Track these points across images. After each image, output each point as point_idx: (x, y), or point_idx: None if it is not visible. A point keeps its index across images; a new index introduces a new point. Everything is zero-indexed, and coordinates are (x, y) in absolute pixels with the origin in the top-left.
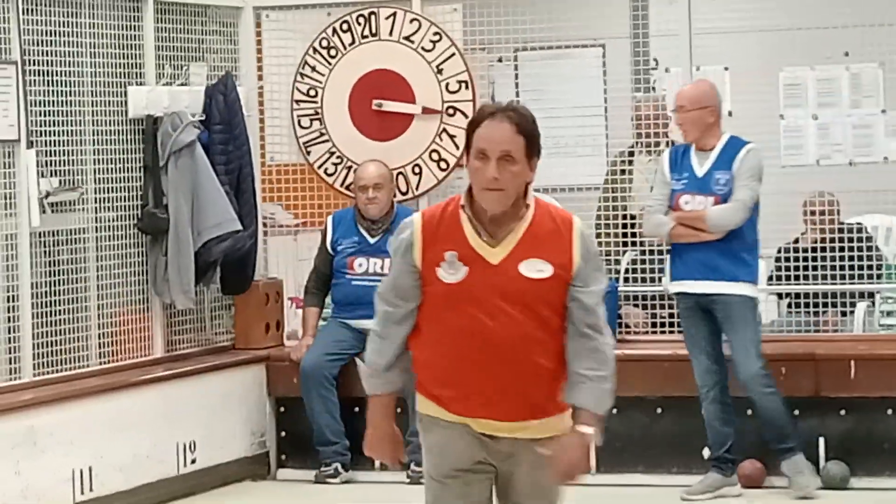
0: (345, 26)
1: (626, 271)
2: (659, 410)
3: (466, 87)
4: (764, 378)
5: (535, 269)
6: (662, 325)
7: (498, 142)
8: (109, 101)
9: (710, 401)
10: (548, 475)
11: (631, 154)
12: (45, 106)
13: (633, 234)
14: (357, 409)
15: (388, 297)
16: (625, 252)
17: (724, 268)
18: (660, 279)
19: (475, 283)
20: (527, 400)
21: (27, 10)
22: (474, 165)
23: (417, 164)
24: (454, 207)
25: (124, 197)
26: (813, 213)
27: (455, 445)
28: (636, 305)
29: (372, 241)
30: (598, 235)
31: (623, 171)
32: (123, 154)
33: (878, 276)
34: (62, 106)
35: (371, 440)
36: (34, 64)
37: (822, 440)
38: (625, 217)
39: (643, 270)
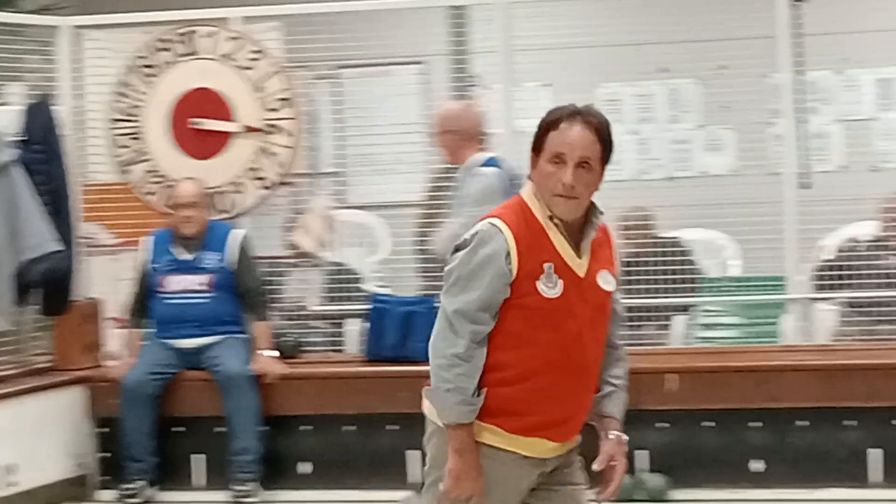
0: (164, 45)
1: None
2: None
3: (287, 105)
4: None
5: (606, 280)
6: None
7: (577, 147)
8: None
9: None
10: (598, 488)
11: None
12: None
13: None
14: (177, 428)
15: (474, 315)
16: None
17: None
18: None
19: (570, 297)
20: (585, 415)
21: None
22: (547, 169)
23: (237, 182)
24: (529, 213)
25: None
26: (628, 227)
27: (522, 476)
28: None
29: (187, 258)
30: (420, 252)
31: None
32: None
33: (696, 290)
34: None
35: (462, 473)
36: None
37: (641, 453)
38: None
39: None
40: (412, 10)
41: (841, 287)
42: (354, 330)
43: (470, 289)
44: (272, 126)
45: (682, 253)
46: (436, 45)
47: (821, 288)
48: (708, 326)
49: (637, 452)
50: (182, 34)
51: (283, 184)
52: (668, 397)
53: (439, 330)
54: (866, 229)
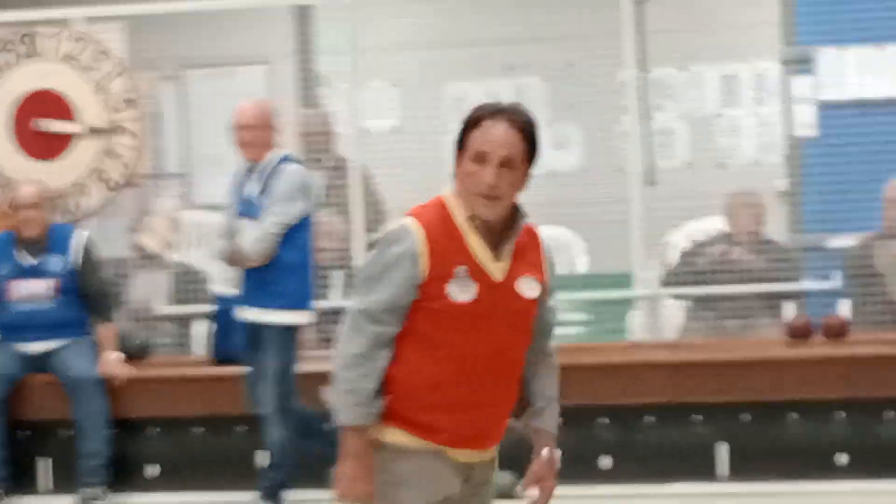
0: (5, 46)
1: None
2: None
3: (131, 106)
4: (277, 411)
5: (529, 286)
6: (332, 340)
7: (499, 145)
8: None
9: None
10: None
11: None
12: None
13: None
14: (23, 432)
15: (378, 316)
16: None
17: (260, 295)
18: (328, 295)
19: (485, 301)
20: (504, 422)
21: None
22: (469, 169)
23: (82, 184)
24: (447, 213)
25: None
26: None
27: (440, 473)
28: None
29: (30, 263)
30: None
31: None
32: None
33: None
34: None
35: (352, 476)
36: None
37: None
38: None
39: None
40: (257, 10)
41: (687, 283)
42: (201, 331)
43: (376, 289)
44: (116, 127)
45: None
46: (281, 45)
47: (669, 284)
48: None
49: None
50: (24, 35)
51: (128, 185)
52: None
53: (345, 330)
54: (712, 225)
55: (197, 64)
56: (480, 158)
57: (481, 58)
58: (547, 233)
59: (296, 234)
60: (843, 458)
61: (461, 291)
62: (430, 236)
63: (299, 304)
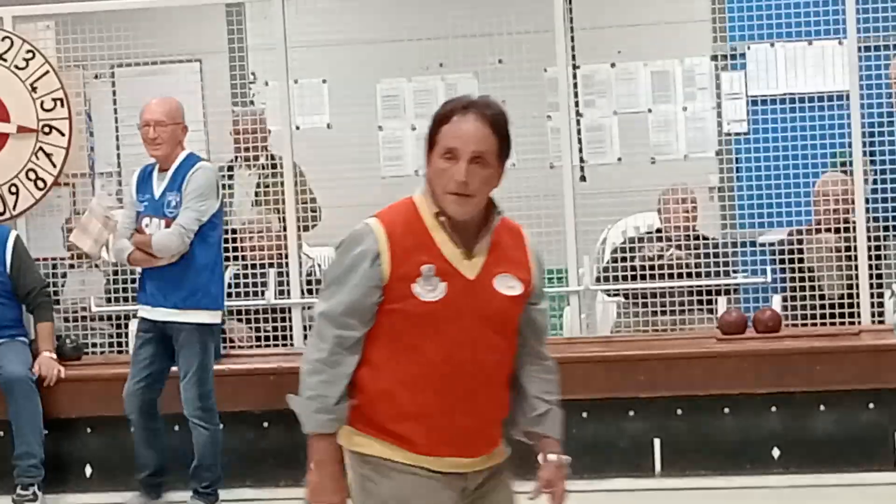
0: None
1: (230, 286)
2: (266, 424)
3: (62, 105)
4: (198, 410)
5: (507, 285)
6: (267, 339)
7: (470, 141)
8: None
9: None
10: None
11: (231, 168)
12: None
13: (236, 249)
14: None
15: (340, 320)
16: (227, 267)
17: (176, 294)
18: (262, 293)
19: (454, 301)
20: (494, 429)
21: None
22: (439, 166)
23: (14, 184)
24: (413, 212)
25: None
26: None
27: (427, 491)
28: (240, 320)
29: None
30: None
31: (224, 186)
32: None
33: None
34: None
35: (318, 486)
36: None
37: None
38: (225, 232)
39: (246, 285)
40: (189, 7)
41: (619, 279)
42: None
43: (338, 292)
44: (48, 126)
45: None
46: (213, 43)
47: (602, 280)
48: None
49: None
50: None
51: (60, 184)
52: None
53: (310, 334)
54: (645, 221)
55: (128, 62)
56: (451, 155)
57: (412, 54)
58: None
59: (208, 232)
60: (775, 453)
61: (428, 291)
62: (392, 235)
63: (215, 303)
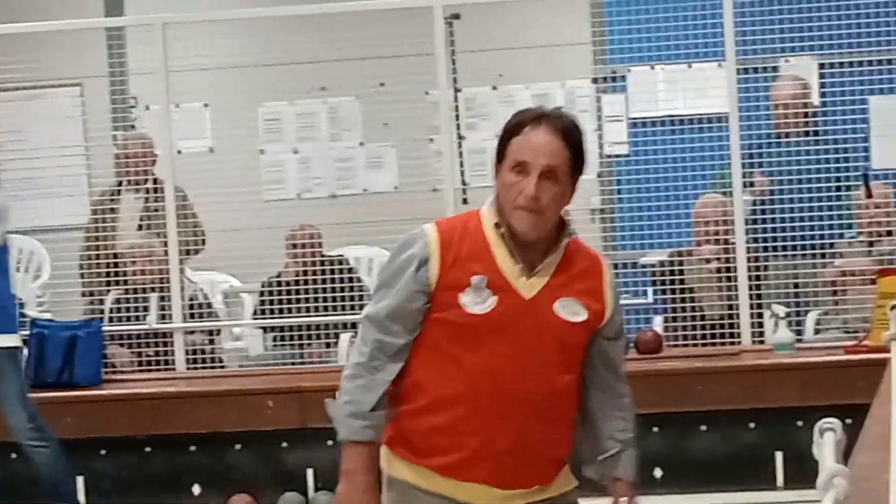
0: None
1: (111, 311)
2: (148, 449)
3: None
4: (31, 431)
5: (571, 311)
6: (149, 363)
7: (542, 154)
8: None
9: None
10: None
11: (116, 193)
12: None
13: (118, 274)
14: None
15: (384, 324)
16: (108, 291)
17: None
18: (144, 318)
19: (504, 317)
20: (545, 461)
21: None
22: (509, 179)
23: None
24: (477, 223)
25: None
26: (295, 246)
27: None
28: (122, 345)
29: None
30: (83, 276)
31: (109, 210)
32: None
33: (361, 307)
34: None
35: (345, 497)
36: None
37: (310, 471)
38: (108, 256)
39: (128, 309)
40: (69, 31)
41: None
42: None
43: (385, 296)
44: None
45: (348, 270)
46: (94, 67)
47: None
48: None
49: (307, 471)
50: None
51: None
52: None
53: (356, 339)
54: None
55: (7, 87)
56: (521, 168)
57: (294, 78)
58: (363, 252)
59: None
60: (657, 473)
61: (476, 303)
62: (444, 241)
63: (11, 326)
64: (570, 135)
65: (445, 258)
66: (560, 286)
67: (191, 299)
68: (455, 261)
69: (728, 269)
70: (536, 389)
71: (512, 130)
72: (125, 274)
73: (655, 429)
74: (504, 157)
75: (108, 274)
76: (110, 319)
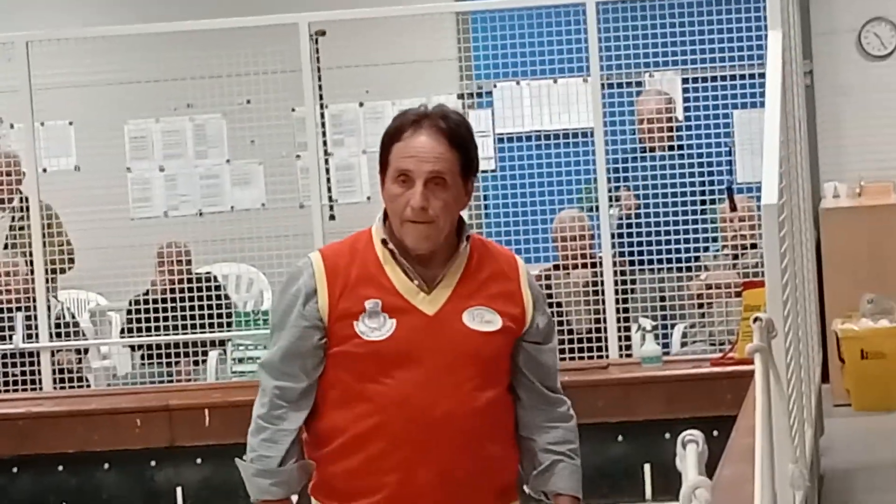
0: None
1: None
2: (15, 470)
3: None
4: None
5: (482, 319)
6: (15, 383)
7: (425, 160)
8: None
9: None
10: None
11: None
12: None
13: None
14: None
15: (280, 369)
16: None
17: None
18: (10, 337)
19: (407, 340)
20: (483, 490)
21: None
22: (393, 190)
23: None
24: (366, 242)
25: None
26: (163, 263)
27: None
28: None
29: None
30: None
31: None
32: None
33: (229, 325)
34: None
35: None
36: None
37: (179, 490)
38: None
39: None
40: None
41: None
42: None
43: (278, 338)
44: None
45: (216, 288)
46: None
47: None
48: (241, 360)
49: (177, 489)
50: None
51: None
52: (205, 433)
53: None
54: None
55: None
56: (405, 178)
57: (160, 95)
58: (231, 269)
59: None
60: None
61: (373, 329)
62: (330, 269)
63: None
64: (455, 134)
65: (333, 287)
66: (468, 295)
67: (57, 318)
68: (344, 288)
69: (595, 284)
70: (455, 412)
71: (392, 136)
72: None
73: None
74: (387, 165)
75: None
76: None
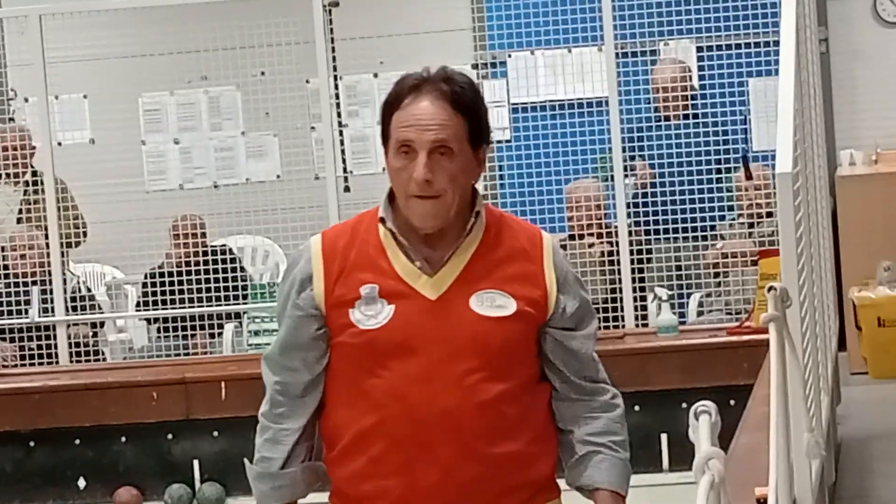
0: None
1: None
2: (32, 443)
3: None
4: None
5: (493, 303)
6: (32, 357)
7: (427, 129)
8: None
9: None
10: None
11: None
12: None
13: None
14: None
15: (279, 362)
16: None
17: None
18: (27, 311)
19: (405, 327)
20: (504, 488)
21: None
22: (396, 163)
23: None
24: (369, 223)
25: None
26: (178, 236)
27: None
28: (2, 339)
29: None
30: None
31: None
32: None
33: (245, 297)
34: None
35: None
36: None
37: (196, 462)
38: None
39: (9, 304)
40: None
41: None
42: None
43: (280, 329)
44: None
45: (231, 260)
46: None
47: None
48: (257, 333)
49: (193, 462)
50: None
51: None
52: (221, 406)
53: None
54: None
55: None
56: (407, 149)
57: (174, 68)
58: (246, 242)
59: None
60: None
61: (369, 316)
62: (328, 252)
63: None
64: (460, 98)
65: (330, 271)
66: (478, 277)
67: (73, 292)
68: (341, 272)
69: (611, 253)
70: (459, 406)
71: (391, 104)
72: (6, 267)
73: None
74: (388, 138)
75: None
76: None
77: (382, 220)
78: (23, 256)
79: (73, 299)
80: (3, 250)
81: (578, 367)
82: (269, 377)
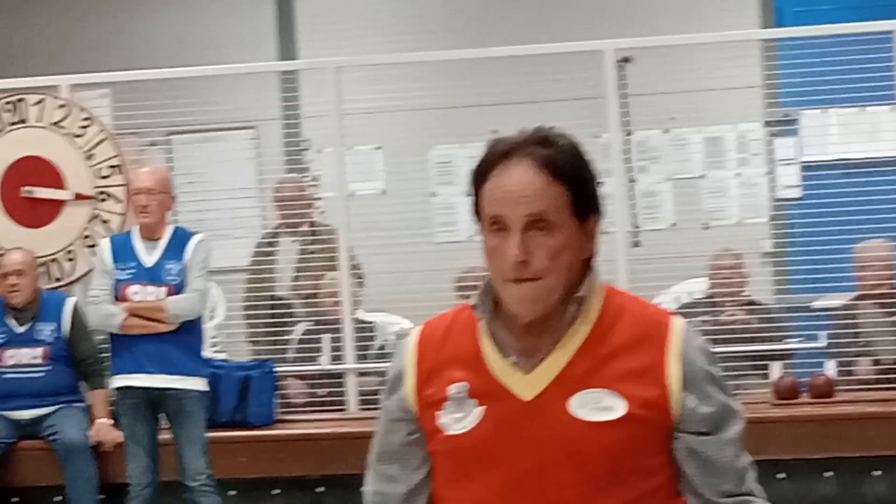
0: None
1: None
2: (320, 489)
3: (118, 172)
4: (206, 477)
5: (597, 405)
6: (322, 403)
7: (519, 199)
8: None
9: (141, 500)
10: None
11: (274, 236)
12: None
13: (289, 315)
14: (14, 499)
15: (377, 468)
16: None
17: (179, 361)
18: (318, 358)
19: (492, 434)
20: None
21: None
22: (490, 243)
23: (70, 250)
24: (472, 311)
25: None
26: (463, 287)
27: None
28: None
29: (20, 330)
30: (247, 317)
31: (267, 254)
32: None
33: None
34: None
35: None
36: None
37: None
38: (271, 298)
39: (305, 350)
40: (244, 75)
41: None
42: None
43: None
44: (104, 193)
45: None
46: (268, 110)
47: None
48: None
49: None
50: (10, 102)
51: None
52: None
53: None
54: (697, 286)
55: (183, 129)
56: (499, 226)
57: (466, 121)
58: None
59: None
60: None
61: (456, 420)
62: (423, 346)
63: (202, 369)
64: (556, 164)
65: (422, 369)
66: (584, 373)
67: (380, 348)
68: (432, 370)
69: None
70: None
71: (480, 176)
72: (291, 315)
73: (828, 473)
74: (480, 213)
75: (281, 315)
76: (294, 353)
77: (474, 307)
78: (313, 305)
79: (364, 347)
80: (281, 300)
81: (713, 479)
82: (367, 487)
